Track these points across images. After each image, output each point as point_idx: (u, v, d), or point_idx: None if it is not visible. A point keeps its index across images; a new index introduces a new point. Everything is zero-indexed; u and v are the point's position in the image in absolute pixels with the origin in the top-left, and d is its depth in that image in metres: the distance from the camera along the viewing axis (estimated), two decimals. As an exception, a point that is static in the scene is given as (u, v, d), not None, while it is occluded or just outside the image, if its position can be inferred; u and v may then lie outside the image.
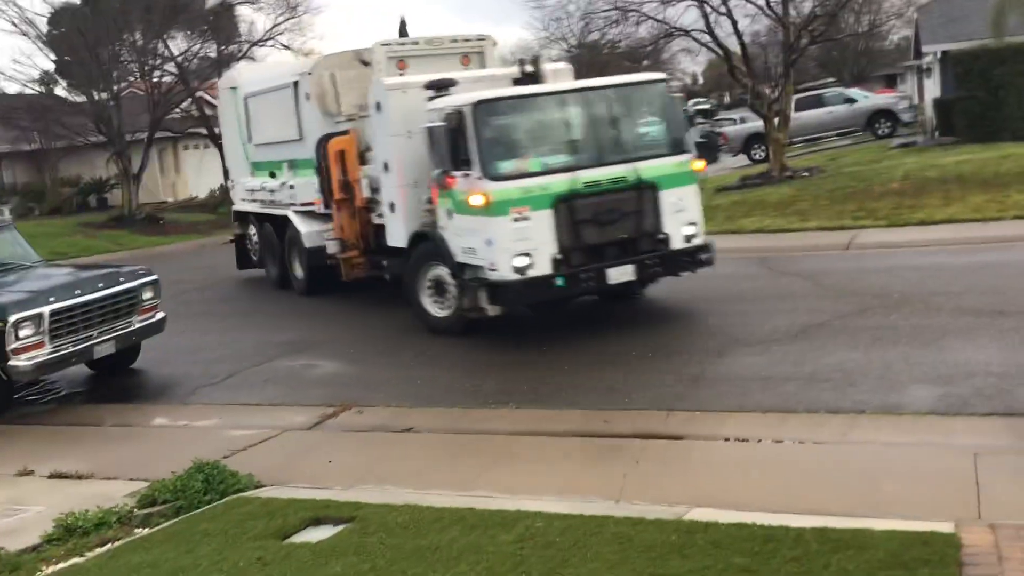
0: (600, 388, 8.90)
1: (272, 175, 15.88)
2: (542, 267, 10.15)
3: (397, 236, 12.07)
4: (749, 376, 8.74)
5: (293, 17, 34.56)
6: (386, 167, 12.01)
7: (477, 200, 10.14)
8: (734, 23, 24.08)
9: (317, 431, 8.80)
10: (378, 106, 11.93)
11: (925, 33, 29.82)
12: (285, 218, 15.44)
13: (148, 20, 31.18)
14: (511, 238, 10.10)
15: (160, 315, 11.15)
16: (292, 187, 15.08)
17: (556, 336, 10.93)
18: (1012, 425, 6.97)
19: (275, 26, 34.34)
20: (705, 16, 24.01)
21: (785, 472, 6.59)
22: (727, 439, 7.32)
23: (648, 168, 10.63)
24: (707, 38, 24.50)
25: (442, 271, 11.25)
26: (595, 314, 12.04)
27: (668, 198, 10.69)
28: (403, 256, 11.95)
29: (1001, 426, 7.00)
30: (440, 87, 11.32)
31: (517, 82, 11.40)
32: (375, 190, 12.71)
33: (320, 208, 14.20)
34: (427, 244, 11.45)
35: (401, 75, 12.52)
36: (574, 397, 8.75)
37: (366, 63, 13.25)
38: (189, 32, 34.01)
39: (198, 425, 9.44)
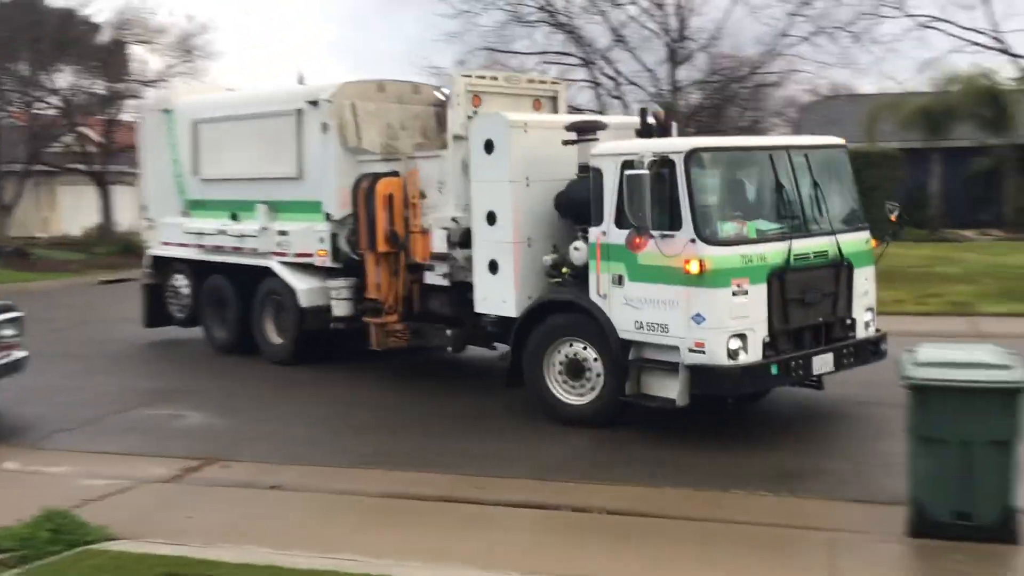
0: (478, 453, 8.89)
1: (234, 217, 13.54)
2: (755, 352, 8.66)
3: (496, 303, 10.25)
4: (630, 458, 8.86)
5: (188, 60, 34.10)
6: (491, 219, 10.14)
7: (693, 267, 8.52)
8: (625, 106, 24.89)
9: (179, 484, 8.44)
10: (488, 145, 10.07)
11: (804, 132, 31.41)
12: (260, 270, 13.10)
13: (37, 51, 30.22)
14: (729, 314, 8.59)
15: (21, 354, 10.57)
16: (283, 234, 12.82)
17: (447, 399, 10.88)
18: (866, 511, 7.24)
19: (169, 67, 33.76)
20: (598, 98, 24.76)
21: (652, 547, 6.63)
22: (592, 511, 7.37)
23: (846, 243, 9.45)
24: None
25: (584, 349, 9.48)
26: (484, 375, 12.01)
27: (858, 278, 9.55)
28: (515, 329, 9.90)
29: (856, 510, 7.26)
30: (585, 130, 9.94)
31: (639, 133, 9.90)
32: (456, 245, 10.86)
33: (324, 261, 12.36)
34: (562, 316, 9.65)
35: (476, 111, 10.92)
36: (453, 460, 8.70)
37: (383, 90, 12.46)
38: (78, 67, 33.06)
39: (50, 471, 8.93)
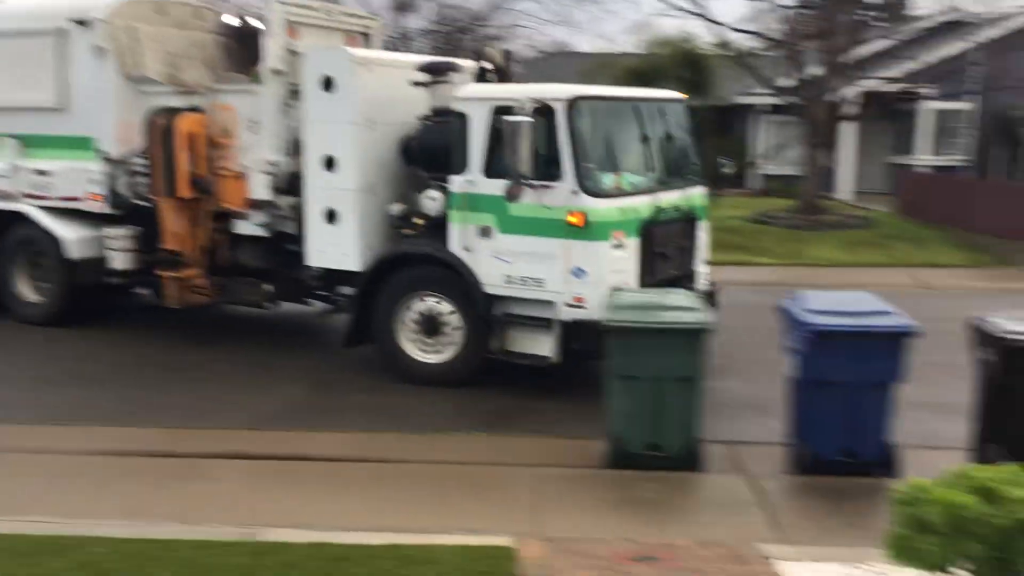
0: (188, 406, 8.52)
1: None
2: None
3: (335, 256, 9.43)
4: (346, 405, 8.82)
5: None
6: (329, 164, 9.28)
7: (576, 219, 8.30)
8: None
9: None
10: (328, 82, 9.17)
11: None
12: (8, 216, 11.28)
13: None
14: (610, 268, 8.44)
15: None
16: (41, 174, 11.05)
17: (178, 352, 10.38)
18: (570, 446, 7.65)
19: None
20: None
21: (369, 491, 6.66)
22: (311, 459, 7.29)
23: (694, 197, 9.69)
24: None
25: (440, 304, 9.01)
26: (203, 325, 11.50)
27: (701, 233, 9.77)
28: (361, 284, 9.20)
29: (562, 446, 7.65)
30: (439, 71, 9.35)
31: (479, 78, 9.73)
32: (280, 191, 9.88)
33: (98, 206, 10.78)
34: (417, 270, 9.11)
35: (295, 44, 9.91)
36: (162, 414, 8.28)
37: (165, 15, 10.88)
38: None
39: None
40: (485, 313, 8.76)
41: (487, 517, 6.13)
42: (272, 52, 9.81)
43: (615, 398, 7.08)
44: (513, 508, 6.33)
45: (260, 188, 9.91)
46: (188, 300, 10.56)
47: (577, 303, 8.41)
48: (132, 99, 10.53)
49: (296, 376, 9.49)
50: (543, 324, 8.60)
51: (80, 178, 10.81)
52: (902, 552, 4.20)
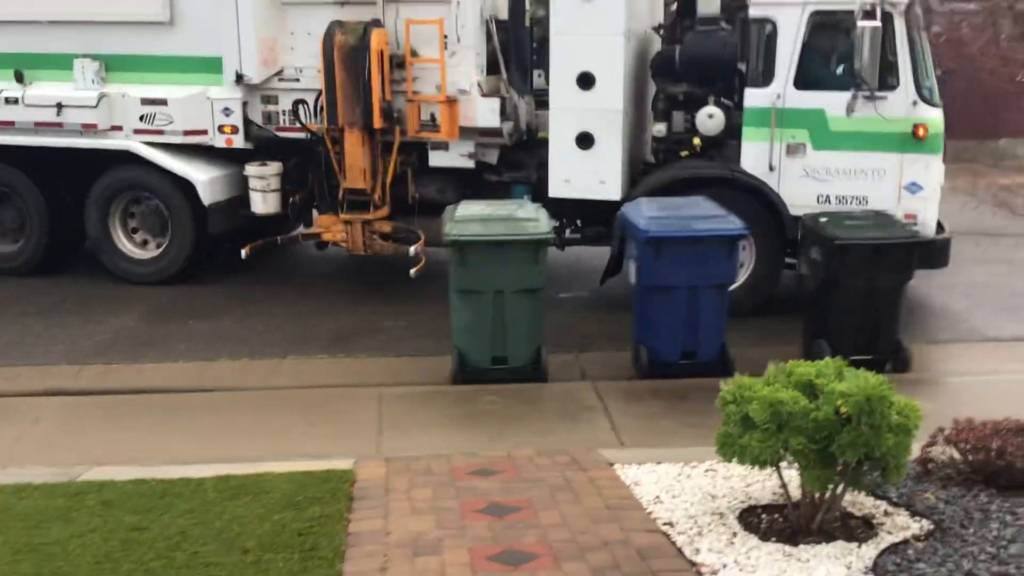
0: (3, 343, 7.98)
1: (19, 78, 9.49)
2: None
3: (588, 185, 8.55)
4: (182, 333, 8.43)
5: None
6: (586, 82, 8.41)
7: (920, 131, 7.92)
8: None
9: None
10: None
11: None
12: (101, 157, 9.50)
13: None
14: (939, 182, 8.26)
15: None
16: (152, 103, 9.26)
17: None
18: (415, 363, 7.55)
19: None
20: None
21: (203, 421, 6.39)
22: (145, 391, 6.95)
23: None
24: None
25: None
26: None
27: None
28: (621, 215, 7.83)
29: (408, 365, 7.54)
30: None
31: None
32: (509, 116, 8.89)
33: (231, 141, 9.23)
34: (708, 194, 7.85)
35: None
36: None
37: None
38: None
39: None
40: (792, 236, 8.13)
41: (328, 441, 5.97)
42: None
43: (458, 313, 6.99)
44: (355, 431, 6.20)
45: (484, 113, 8.75)
46: (374, 249, 9.29)
47: (909, 220, 7.91)
48: (274, 12, 9.01)
49: (129, 305, 9.01)
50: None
51: (208, 108, 9.21)
52: (728, 449, 4.27)
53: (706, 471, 5.08)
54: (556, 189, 8.72)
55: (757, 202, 8.33)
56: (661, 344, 7.07)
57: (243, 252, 9.14)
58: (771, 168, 8.29)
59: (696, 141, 8.59)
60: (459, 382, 6.97)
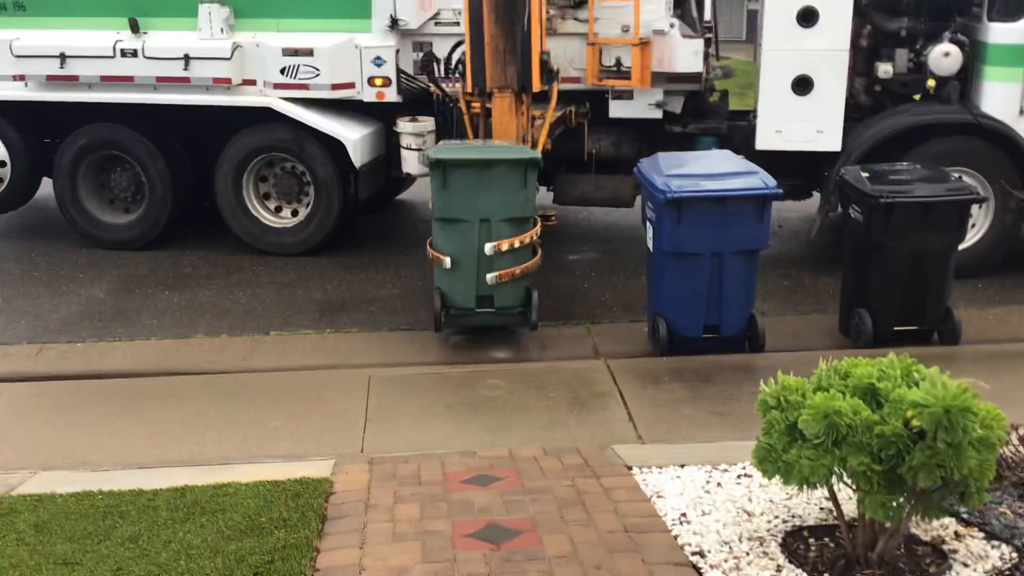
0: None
1: (134, 27, 8.39)
2: None
3: (804, 134, 7.78)
4: (157, 306, 7.71)
5: None
6: (806, 18, 7.59)
7: None
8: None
9: None
10: None
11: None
12: (233, 115, 8.46)
13: None
14: None
15: None
16: (295, 54, 8.17)
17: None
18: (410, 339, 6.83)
19: None
20: None
21: (168, 413, 5.69)
22: (109, 375, 6.27)
23: None
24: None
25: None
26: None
27: None
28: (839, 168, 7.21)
29: (398, 340, 6.83)
30: None
31: None
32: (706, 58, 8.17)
33: (384, 95, 8.24)
34: (945, 143, 7.56)
35: None
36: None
37: None
38: None
39: None
40: None
41: (307, 437, 5.28)
42: None
43: (440, 242, 6.35)
44: (339, 423, 5.49)
45: (685, 56, 7.93)
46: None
47: None
48: None
49: (102, 274, 8.32)
50: None
51: (357, 58, 8.19)
52: (770, 466, 3.52)
53: (738, 477, 4.36)
54: (765, 140, 7.87)
55: (1002, 150, 7.58)
56: (681, 317, 6.32)
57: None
58: (1022, 112, 7.53)
59: (931, 83, 7.75)
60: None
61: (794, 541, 3.75)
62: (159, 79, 8.33)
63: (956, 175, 6.88)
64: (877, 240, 6.24)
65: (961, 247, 6.67)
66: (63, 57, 8.36)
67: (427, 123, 8.16)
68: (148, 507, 4.14)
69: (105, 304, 7.62)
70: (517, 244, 6.37)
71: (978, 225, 7.72)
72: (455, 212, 6.28)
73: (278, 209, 8.84)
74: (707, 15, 8.84)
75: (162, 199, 8.78)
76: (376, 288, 7.92)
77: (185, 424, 5.48)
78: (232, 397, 5.90)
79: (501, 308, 6.45)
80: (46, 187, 9.32)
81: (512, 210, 6.31)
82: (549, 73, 7.44)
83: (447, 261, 6.37)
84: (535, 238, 6.56)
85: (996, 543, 3.73)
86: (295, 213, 8.79)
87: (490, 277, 6.34)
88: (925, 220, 6.19)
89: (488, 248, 6.29)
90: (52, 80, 8.48)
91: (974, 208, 6.89)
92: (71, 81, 8.46)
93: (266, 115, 8.38)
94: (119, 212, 9.05)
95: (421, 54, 8.25)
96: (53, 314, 7.40)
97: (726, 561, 3.62)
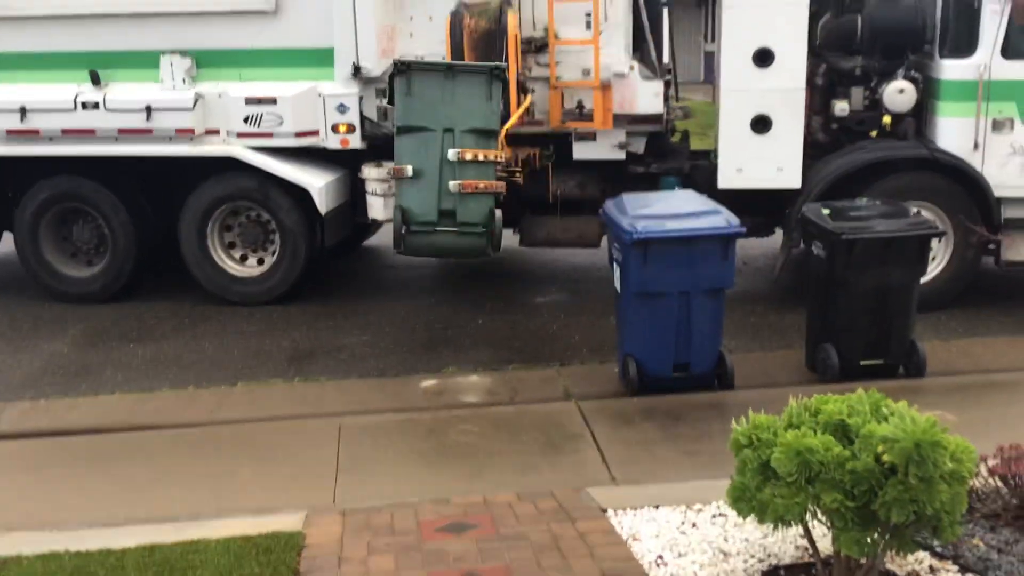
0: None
1: (95, 80, 8.36)
2: None
3: (764, 173, 7.88)
4: (122, 359, 7.62)
5: None
6: (763, 58, 7.71)
7: None
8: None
9: None
10: None
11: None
12: (195, 165, 8.43)
13: None
14: None
15: None
16: (258, 103, 8.16)
17: None
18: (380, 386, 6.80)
19: None
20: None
21: (136, 469, 5.59)
22: (74, 432, 6.16)
23: None
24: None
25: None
26: None
27: None
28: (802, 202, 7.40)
29: (368, 387, 6.80)
30: None
31: None
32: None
33: (347, 141, 8.25)
34: (903, 179, 7.69)
35: None
36: None
37: None
38: None
39: None
40: (997, 222, 7.63)
41: (278, 489, 5.20)
42: None
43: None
44: (310, 473, 5.42)
45: (647, 98, 8.05)
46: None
47: None
48: None
49: (66, 327, 8.22)
50: None
51: (320, 105, 8.22)
52: (744, 505, 3.54)
53: (713, 517, 4.37)
54: (727, 179, 7.98)
55: (959, 184, 7.72)
56: (651, 356, 6.34)
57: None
58: (975, 146, 7.66)
59: (886, 119, 7.92)
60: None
61: (771, 581, 3.76)
62: (121, 131, 8.30)
63: (915, 210, 7.03)
64: (840, 276, 6.32)
65: (922, 280, 6.75)
66: (23, 111, 8.31)
67: (386, 168, 8.16)
68: (117, 567, 4.07)
69: (69, 359, 7.51)
70: (481, 157, 6.42)
71: (939, 258, 7.83)
72: (418, 120, 6.36)
73: (243, 258, 8.80)
74: (665, 58, 8.99)
75: (125, 251, 8.70)
76: (344, 335, 7.88)
77: (153, 480, 5.39)
78: (200, 451, 5.83)
79: (463, 223, 6.46)
80: (5, 242, 9.22)
81: (476, 120, 6.39)
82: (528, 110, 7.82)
83: (408, 169, 6.41)
84: (500, 160, 6.60)
85: (971, 575, 3.76)
86: (261, 262, 8.75)
87: (452, 184, 6.37)
88: (887, 255, 6.28)
89: (451, 154, 6.34)
90: (12, 134, 8.41)
91: (934, 241, 6.98)
92: (32, 135, 8.40)
93: (230, 164, 8.37)
94: (82, 265, 8.96)
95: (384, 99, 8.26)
96: (16, 370, 7.29)
97: (704, 604, 3.61)
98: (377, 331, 7.93)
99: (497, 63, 6.63)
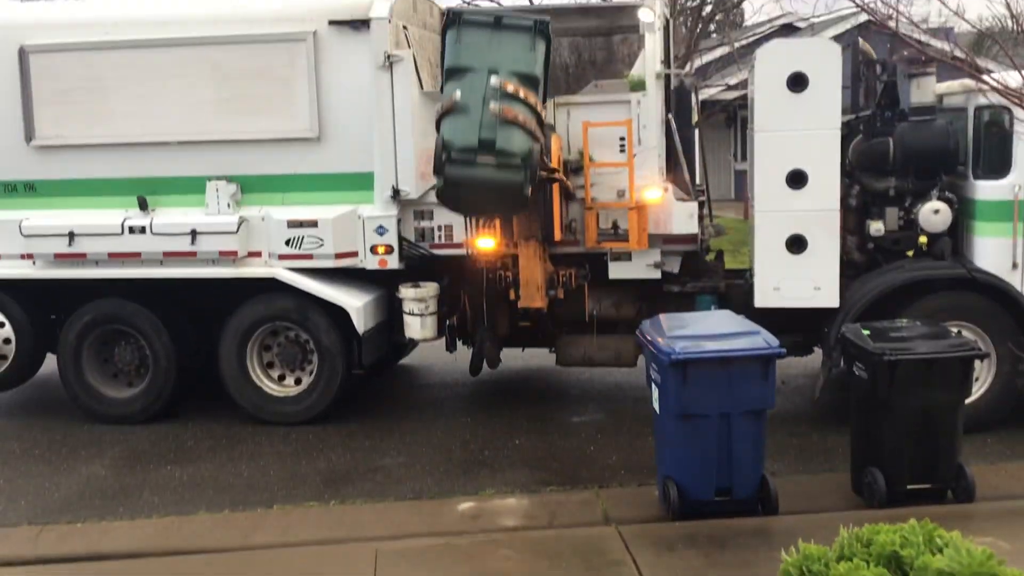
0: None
1: (143, 205, 8.63)
2: None
3: (801, 292, 7.95)
4: (158, 481, 7.61)
5: None
6: (797, 180, 7.85)
7: None
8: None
9: None
10: (799, 80, 7.74)
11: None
12: (234, 287, 8.58)
13: None
14: None
15: None
16: (299, 226, 8.37)
17: None
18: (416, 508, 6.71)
19: None
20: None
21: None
22: (108, 557, 6.11)
23: None
24: None
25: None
26: None
27: None
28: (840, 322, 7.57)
29: (406, 510, 6.71)
30: (924, 63, 8.21)
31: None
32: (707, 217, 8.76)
33: (386, 263, 8.42)
34: (943, 298, 7.77)
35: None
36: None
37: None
38: None
39: None
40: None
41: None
42: (653, 53, 8.24)
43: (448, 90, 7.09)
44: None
45: (681, 218, 8.22)
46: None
47: None
48: (431, 123, 7.68)
49: (103, 449, 8.23)
50: None
51: (360, 228, 8.41)
52: (798, 641, 3.43)
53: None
54: (764, 298, 8.04)
55: (999, 304, 7.74)
56: (692, 480, 6.23)
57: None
58: (1014, 266, 7.73)
59: (922, 239, 8.03)
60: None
61: None
62: (166, 254, 8.50)
63: (956, 330, 6.96)
64: (883, 398, 6.23)
65: (967, 402, 6.64)
66: (71, 235, 8.55)
67: (429, 288, 8.37)
68: None
69: (106, 481, 7.52)
70: (522, 95, 6.90)
71: (982, 379, 7.74)
72: (466, 60, 6.87)
73: (281, 378, 8.85)
74: (698, 178, 9.13)
75: (166, 372, 8.79)
76: (380, 455, 7.85)
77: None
78: (236, 577, 5.75)
79: (502, 152, 6.80)
80: (45, 363, 9.35)
81: (520, 65, 6.94)
82: (569, 228, 8.31)
83: (457, 94, 6.91)
84: (538, 109, 7.07)
85: None
86: (298, 381, 8.80)
87: (494, 106, 6.82)
88: (930, 377, 6.19)
89: (494, 80, 6.83)
90: (60, 258, 8.64)
91: (977, 363, 6.91)
92: (79, 258, 8.61)
93: (270, 285, 8.52)
94: (122, 386, 9.05)
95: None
96: (54, 493, 7.29)
97: None
98: (413, 451, 7.89)
99: (543, 18, 7.16)
